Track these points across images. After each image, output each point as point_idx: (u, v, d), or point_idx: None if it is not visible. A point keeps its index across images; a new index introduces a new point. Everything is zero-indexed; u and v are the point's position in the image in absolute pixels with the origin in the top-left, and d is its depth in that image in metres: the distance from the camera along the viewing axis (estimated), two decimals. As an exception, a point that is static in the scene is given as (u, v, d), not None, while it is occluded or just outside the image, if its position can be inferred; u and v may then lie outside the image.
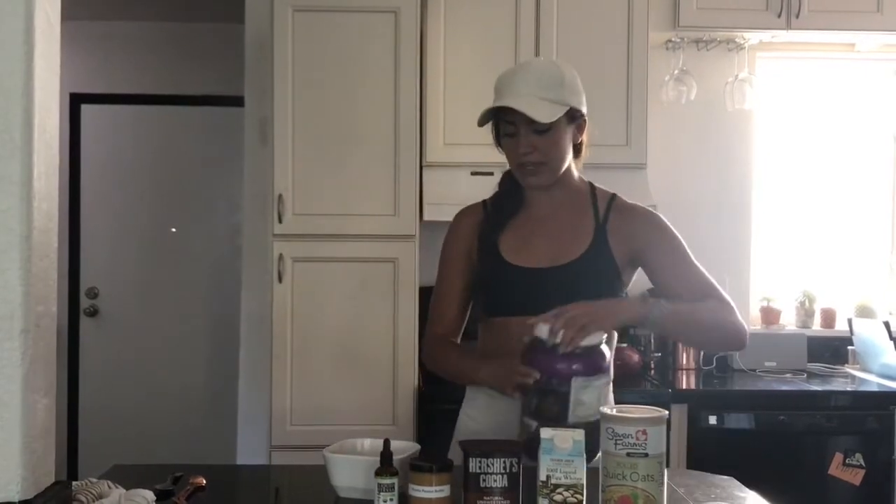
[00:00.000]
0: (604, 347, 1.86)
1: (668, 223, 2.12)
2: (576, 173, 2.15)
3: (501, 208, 2.15)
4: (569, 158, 2.09)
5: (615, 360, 2.20)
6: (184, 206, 5.22)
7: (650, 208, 2.17)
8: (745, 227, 3.98)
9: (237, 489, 2.15)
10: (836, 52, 3.96)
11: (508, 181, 2.17)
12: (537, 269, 2.06)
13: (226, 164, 5.01)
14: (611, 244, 2.08)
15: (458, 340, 2.23)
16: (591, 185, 2.17)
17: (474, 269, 2.16)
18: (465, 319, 2.23)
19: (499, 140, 2.12)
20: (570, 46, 3.43)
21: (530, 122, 1.99)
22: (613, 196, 2.15)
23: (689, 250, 2.10)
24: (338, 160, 3.27)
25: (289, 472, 2.31)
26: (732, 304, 2.07)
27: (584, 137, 2.11)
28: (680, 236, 2.11)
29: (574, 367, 1.79)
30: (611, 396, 1.92)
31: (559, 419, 1.70)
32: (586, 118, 2.09)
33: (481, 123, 2.08)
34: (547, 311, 1.89)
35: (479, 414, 2.13)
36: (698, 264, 2.09)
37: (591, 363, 1.80)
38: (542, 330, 1.83)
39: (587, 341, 1.81)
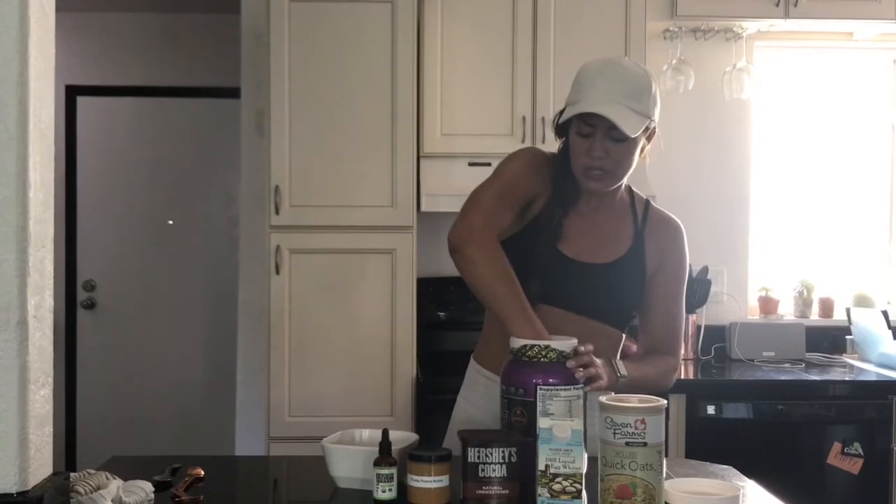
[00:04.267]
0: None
1: (687, 248, 2.14)
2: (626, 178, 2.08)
3: (562, 197, 2.04)
4: (633, 167, 2.02)
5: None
6: (180, 199, 5.20)
7: (677, 222, 2.15)
8: (744, 216, 3.97)
9: (235, 480, 2.15)
10: (834, 40, 3.96)
11: (565, 167, 2.04)
12: (578, 263, 2.04)
13: (222, 156, 5.00)
14: (646, 252, 2.08)
15: None
16: (630, 188, 2.14)
17: (525, 207, 2.05)
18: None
19: (561, 129, 2.02)
20: (567, 36, 3.43)
21: (611, 128, 1.90)
22: (648, 202, 2.15)
23: (686, 280, 2.16)
24: (335, 151, 3.26)
25: (287, 463, 2.31)
26: (680, 358, 2.16)
27: (649, 147, 2.03)
28: (688, 261, 2.15)
29: (539, 376, 1.77)
30: (594, 417, 1.73)
31: (528, 431, 1.69)
32: (657, 128, 2.01)
33: (562, 121, 1.97)
34: (569, 305, 1.99)
35: (478, 399, 2.13)
36: (683, 300, 2.15)
37: (559, 374, 1.77)
38: (515, 342, 1.82)
39: (558, 345, 1.80)
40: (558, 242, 2.03)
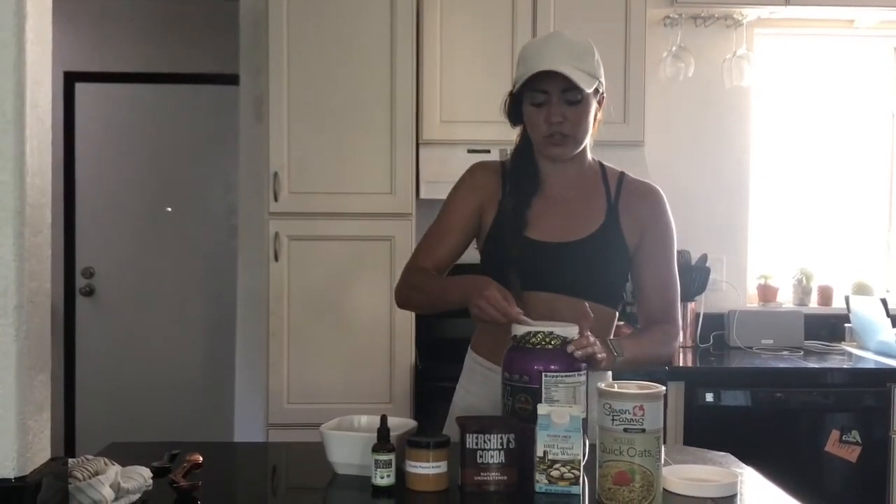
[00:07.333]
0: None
1: (669, 210, 2.14)
2: (588, 151, 2.12)
3: (521, 186, 2.10)
4: (590, 133, 2.07)
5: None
6: (179, 185, 5.20)
7: (654, 189, 2.15)
8: (743, 204, 3.97)
9: (234, 466, 2.15)
10: (835, 28, 3.95)
11: (521, 159, 2.12)
12: (549, 244, 2.05)
13: (221, 143, 4.99)
14: (622, 224, 2.08)
15: None
16: (601, 164, 2.16)
17: (476, 224, 2.12)
18: (451, 266, 2.17)
19: (512, 113, 2.08)
20: (567, 23, 3.40)
21: (564, 91, 1.96)
22: (622, 174, 2.15)
23: (675, 246, 2.15)
24: (334, 138, 3.26)
25: (286, 450, 2.31)
26: (679, 324, 2.14)
27: (600, 114, 2.09)
28: (674, 227, 2.13)
29: (543, 363, 1.77)
30: (594, 405, 1.75)
31: (533, 418, 1.69)
32: (604, 94, 2.07)
33: (517, 89, 2.02)
34: (552, 287, 1.99)
35: (477, 388, 2.13)
36: (675, 266, 2.14)
37: (562, 360, 1.77)
38: (518, 329, 1.82)
39: (561, 332, 1.80)
40: (526, 230, 2.05)
